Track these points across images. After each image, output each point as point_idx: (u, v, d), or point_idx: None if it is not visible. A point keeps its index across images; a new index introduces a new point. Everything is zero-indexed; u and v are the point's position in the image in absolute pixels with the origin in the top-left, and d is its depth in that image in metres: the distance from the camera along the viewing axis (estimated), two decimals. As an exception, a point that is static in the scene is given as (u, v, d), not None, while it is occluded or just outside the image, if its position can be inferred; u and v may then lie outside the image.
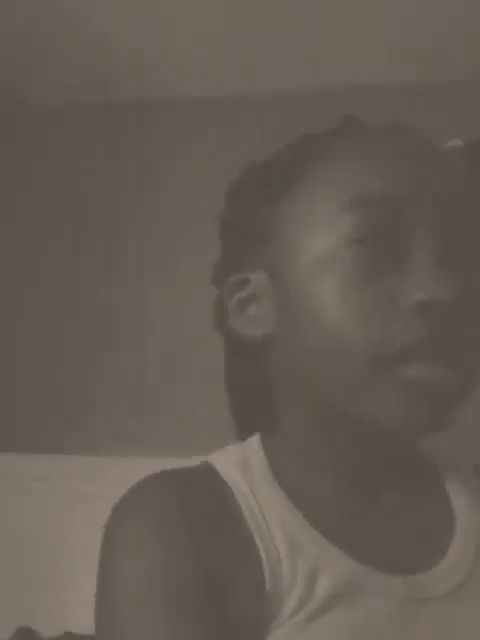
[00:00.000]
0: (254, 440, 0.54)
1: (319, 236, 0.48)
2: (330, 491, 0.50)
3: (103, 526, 0.47)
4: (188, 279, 1.61)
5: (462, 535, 0.49)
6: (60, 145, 1.85)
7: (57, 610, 1.42)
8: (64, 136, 1.86)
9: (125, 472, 0.54)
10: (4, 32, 1.62)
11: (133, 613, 0.41)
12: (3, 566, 1.50)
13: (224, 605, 0.42)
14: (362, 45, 1.65)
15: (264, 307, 0.52)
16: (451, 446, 0.59)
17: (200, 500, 0.47)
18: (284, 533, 0.46)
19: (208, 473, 0.50)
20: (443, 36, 1.61)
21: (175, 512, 0.45)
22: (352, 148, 0.50)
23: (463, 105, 1.65)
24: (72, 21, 1.60)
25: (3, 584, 1.49)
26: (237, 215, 0.56)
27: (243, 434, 0.56)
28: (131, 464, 0.50)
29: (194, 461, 0.52)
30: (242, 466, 0.50)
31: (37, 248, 1.78)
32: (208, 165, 1.71)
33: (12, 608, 1.45)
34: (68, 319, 1.72)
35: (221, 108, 1.80)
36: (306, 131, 0.55)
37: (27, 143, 1.86)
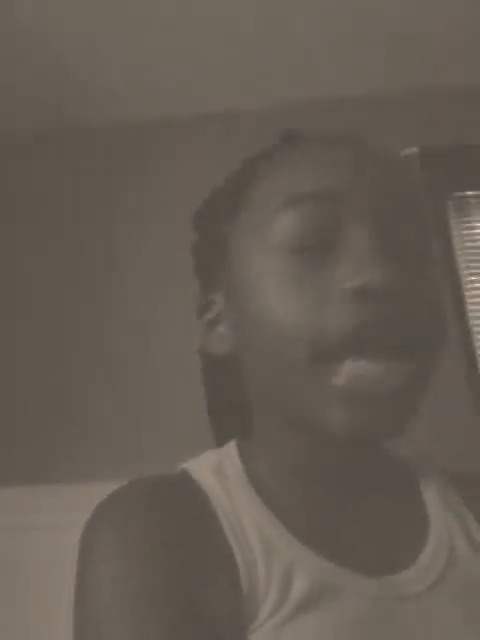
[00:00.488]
0: (230, 446, 0.54)
1: (258, 243, 0.49)
2: (304, 495, 0.51)
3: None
4: (174, 305, 1.62)
5: (436, 537, 0.50)
6: (42, 171, 1.88)
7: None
8: (45, 162, 1.88)
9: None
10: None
11: (105, 622, 0.41)
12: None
13: (200, 612, 0.42)
14: (353, 58, 1.71)
15: (227, 325, 0.53)
16: (422, 451, 0.60)
17: (175, 507, 0.47)
18: (260, 538, 0.46)
19: (184, 480, 0.51)
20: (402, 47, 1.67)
21: (149, 520, 0.45)
22: (288, 158, 0.51)
23: (420, 115, 1.70)
24: (66, 44, 1.64)
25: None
26: (200, 240, 0.57)
27: (221, 443, 0.58)
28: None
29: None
30: (218, 472, 0.51)
31: (35, 275, 1.80)
32: (204, 182, 1.72)
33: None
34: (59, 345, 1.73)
35: (211, 124, 1.84)
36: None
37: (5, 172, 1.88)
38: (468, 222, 1.78)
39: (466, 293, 1.69)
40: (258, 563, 0.45)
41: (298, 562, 0.46)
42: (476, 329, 1.66)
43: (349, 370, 0.44)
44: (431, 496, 0.53)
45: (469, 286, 1.71)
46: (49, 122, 1.88)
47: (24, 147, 1.92)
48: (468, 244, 1.76)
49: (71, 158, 1.89)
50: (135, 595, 0.42)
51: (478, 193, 1.78)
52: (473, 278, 1.72)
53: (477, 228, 1.78)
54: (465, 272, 1.73)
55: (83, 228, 1.82)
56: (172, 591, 0.42)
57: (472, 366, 1.61)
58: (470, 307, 1.68)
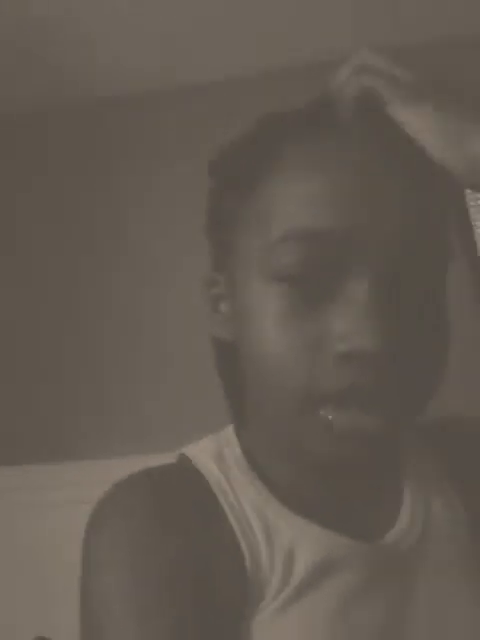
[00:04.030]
0: (228, 431, 0.55)
1: (260, 261, 0.46)
2: (301, 474, 0.51)
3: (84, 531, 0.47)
4: (182, 281, 1.61)
5: (411, 499, 0.51)
6: (53, 147, 1.87)
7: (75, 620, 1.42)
8: (51, 139, 1.87)
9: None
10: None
11: (111, 616, 0.41)
12: (21, 577, 1.51)
13: (206, 599, 0.42)
14: (355, 14, 1.65)
15: (227, 309, 0.52)
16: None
17: (177, 496, 0.48)
18: (260, 518, 0.47)
19: (184, 467, 0.51)
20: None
21: (151, 512, 0.46)
22: (299, 164, 0.46)
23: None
24: (48, 24, 1.61)
25: (23, 594, 1.51)
26: (213, 203, 0.54)
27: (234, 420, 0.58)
28: (136, 464, 0.51)
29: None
30: (217, 456, 0.51)
31: (38, 260, 1.81)
32: (202, 156, 1.70)
33: (31, 618, 1.45)
34: (66, 332, 1.74)
35: (212, 93, 1.80)
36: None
37: (13, 148, 1.88)
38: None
39: None
40: (260, 545, 0.46)
41: (299, 539, 0.47)
42: None
43: (337, 414, 0.43)
44: (408, 451, 0.54)
45: None
46: (50, 95, 1.86)
47: (27, 119, 1.90)
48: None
49: (76, 129, 1.88)
50: (140, 590, 0.42)
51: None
52: None
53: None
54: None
55: (83, 216, 1.81)
56: (178, 581, 0.43)
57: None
58: None
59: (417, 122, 0.44)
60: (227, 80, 1.80)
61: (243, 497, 0.48)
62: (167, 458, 0.55)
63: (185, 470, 0.51)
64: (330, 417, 0.43)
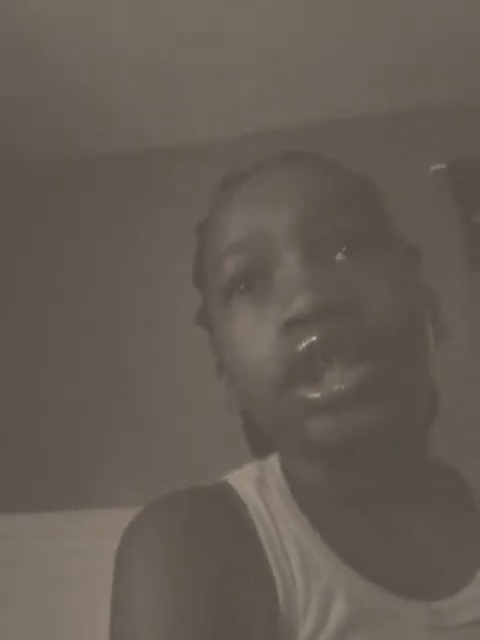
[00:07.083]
0: (273, 459, 0.53)
1: (220, 301, 0.51)
2: (344, 511, 0.48)
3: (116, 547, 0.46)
4: (193, 329, 1.61)
5: None
6: (60, 202, 1.88)
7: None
8: (63, 193, 1.89)
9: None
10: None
11: (142, 633, 0.40)
12: (37, 624, 1.49)
13: (234, 628, 0.40)
14: (340, 79, 1.70)
15: (231, 381, 0.55)
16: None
17: (212, 518, 0.46)
18: (299, 552, 0.44)
19: (224, 491, 0.50)
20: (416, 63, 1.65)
21: (185, 531, 0.44)
22: (226, 201, 0.53)
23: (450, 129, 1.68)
24: (64, 77, 1.64)
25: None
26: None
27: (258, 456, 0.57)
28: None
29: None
30: (259, 483, 0.50)
31: (46, 304, 1.81)
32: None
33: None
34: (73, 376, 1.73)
35: (224, 151, 1.79)
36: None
37: (25, 203, 1.89)
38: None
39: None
40: (297, 581, 0.43)
41: (339, 581, 0.43)
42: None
43: (311, 386, 0.44)
44: None
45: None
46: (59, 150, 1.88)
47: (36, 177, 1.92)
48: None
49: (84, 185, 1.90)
50: (172, 609, 0.41)
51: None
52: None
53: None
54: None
55: (90, 266, 1.81)
56: (208, 608, 0.41)
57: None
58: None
59: None
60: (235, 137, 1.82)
61: (283, 528, 0.46)
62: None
63: (224, 493, 0.49)
64: (312, 395, 0.43)
